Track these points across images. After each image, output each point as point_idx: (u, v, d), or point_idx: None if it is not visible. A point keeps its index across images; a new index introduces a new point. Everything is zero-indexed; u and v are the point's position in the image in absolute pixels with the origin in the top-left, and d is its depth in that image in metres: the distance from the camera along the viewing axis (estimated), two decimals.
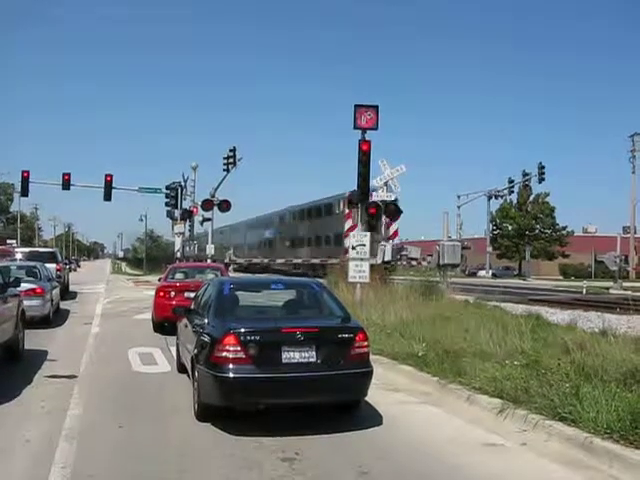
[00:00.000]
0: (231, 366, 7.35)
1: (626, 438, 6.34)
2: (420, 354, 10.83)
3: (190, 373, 8.79)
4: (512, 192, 77.43)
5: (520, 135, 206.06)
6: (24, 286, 15.12)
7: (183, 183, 43.84)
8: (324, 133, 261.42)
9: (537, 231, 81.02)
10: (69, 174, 43.29)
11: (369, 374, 7.91)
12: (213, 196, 38.52)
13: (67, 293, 28.70)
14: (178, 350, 10.95)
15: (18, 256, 27.75)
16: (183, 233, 43.85)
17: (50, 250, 33.58)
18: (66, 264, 34.48)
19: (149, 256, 79.07)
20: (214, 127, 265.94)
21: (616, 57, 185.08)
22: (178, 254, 43.09)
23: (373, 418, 8.14)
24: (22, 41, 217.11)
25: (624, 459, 6.08)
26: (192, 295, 12.17)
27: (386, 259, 24.65)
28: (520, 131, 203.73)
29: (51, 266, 24.41)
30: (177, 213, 43.58)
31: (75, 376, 10.57)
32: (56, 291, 20.60)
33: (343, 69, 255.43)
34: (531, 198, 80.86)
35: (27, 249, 33.73)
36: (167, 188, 44.43)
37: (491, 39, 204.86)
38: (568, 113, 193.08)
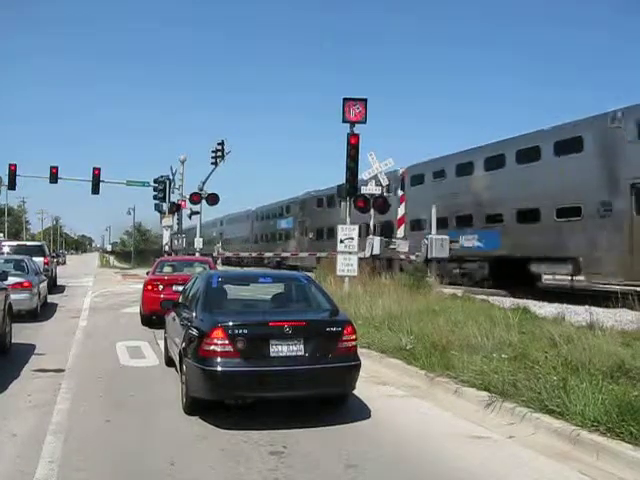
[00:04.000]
0: (219, 360, 7.34)
1: (613, 430, 6.37)
2: (408, 347, 10.84)
3: (178, 367, 8.77)
4: None
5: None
6: (11, 280, 15.12)
7: (171, 176, 43.66)
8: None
9: None
10: (57, 167, 43.07)
11: (357, 367, 7.92)
12: (201, 189, 38.37)
13: (55, 287, 28.78)
14: (166, 344, 10.93)
15: (5, 250, 27.58)
16: (171, 226, 43.67)
17: (37, 244, 33.56)
18: (54, 257, 34.35)
19: (137, 249, 78.87)
20: (206, 125, 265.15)
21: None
22: (166, 247, 42.94)
23: (361, 411, 8.16)
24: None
25: (610, 451, 6.13)
26: (180, 288, 12.15)
27: (374, 253, 24.70)
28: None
29: (39, 260, 24.54)
30: (165, 206, 43.42)
31: (62, 370, 10.54)
32: (44, 285, 20.54)
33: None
34: None
35: (14, 243, 33.42)
36: (155, 181, 44.25)
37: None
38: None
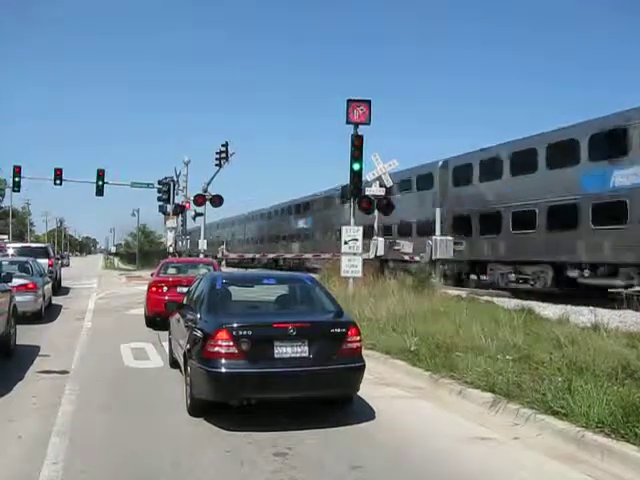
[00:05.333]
0: (223, 361, 7.34)
1: (617, 432, 6.36)
2: (412, 349, 10.84)
3: (182, 368, 8.78)
4: None
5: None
6: (16, 281, 15.14)
7: (175, 178, 43.75)
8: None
9: None
10: (61, 169, 43.27)
11: (361, 369, 7.91)
12: (205, 191, 38.40)
13: (59, 288, 28.90)
14: (170, 345, 10.95)
15: (10, 251, 27.74)
16: (175, 228, 43.74)
17: (42, 245, 33.66)
18: (58, 259, 34.54)
19: (142, 251, 78.84)
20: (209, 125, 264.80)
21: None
22: (171, 249, 43.00)
23: (365, 413, 8.15)
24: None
25: (615, 452, 6.11)
26: (184, 290, 12.16)
27: (378, 254, 24.72)
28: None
29: (43, 261, 24.50)
30: (169, 208, 43.49)
31: (67, 372, 10.54)
32: (48, 286, 20.55)
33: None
34: None
35: (19, 244, 33.83)
36: (159, 183, 44.38)
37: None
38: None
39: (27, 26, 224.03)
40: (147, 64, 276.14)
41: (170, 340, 11.04)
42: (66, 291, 29.37)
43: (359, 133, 19.88)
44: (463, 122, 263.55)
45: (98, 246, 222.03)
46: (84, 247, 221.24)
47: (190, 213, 43.16)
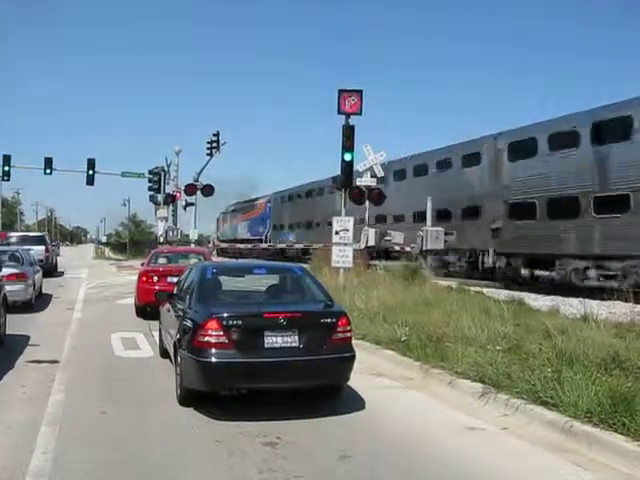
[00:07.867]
0: (213, 351, 7.34)
1: (606, 422, 6.39)
2: (403, 339, 10.85)
3: (173, 358, 8.77)
4: None
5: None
6: (6, 271, 15.09)
7: (166, 168, 43.59)
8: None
9: None
10: (51, 158, 43.14)
11: (352, 359, 7.93)
12: (197, 181, 38.28)
13: (55, 271, 34.26)
14: (161, 335, 10.93)
15: (13, 239, 32.72)
16: (166, 218, 43.61)
17: (39, 234, 39.90)
18: (54, 247, 40.37)
19: (132, 241, 78.69)
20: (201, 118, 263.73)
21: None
22: (161, 239, 42.90)
23: (355, 403, 8.17)
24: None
25: (603, 442, 6.15)
26: (175, 280, 12.14)
27: (369, 244, 24.71)
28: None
29: (41, 248, 30.23)
30: (160, 198, 43.34)
31: (57, 361, 10.52)
32: (39, 276, 20.52)
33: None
34: None
35: (20, 233, 40.81)
36: (150, 172, 44.22)
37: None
38: None
39: (25, 23, 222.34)
40: (143, 58, 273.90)
41: (160, 330, 11.03)
42: (60, 274, 32.69)
43: (350, 123, 19.82)
44: (460, 115, 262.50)
45: (89, 236, 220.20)
46: (75, 237, 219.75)
47: (181, 203, 43.05)
